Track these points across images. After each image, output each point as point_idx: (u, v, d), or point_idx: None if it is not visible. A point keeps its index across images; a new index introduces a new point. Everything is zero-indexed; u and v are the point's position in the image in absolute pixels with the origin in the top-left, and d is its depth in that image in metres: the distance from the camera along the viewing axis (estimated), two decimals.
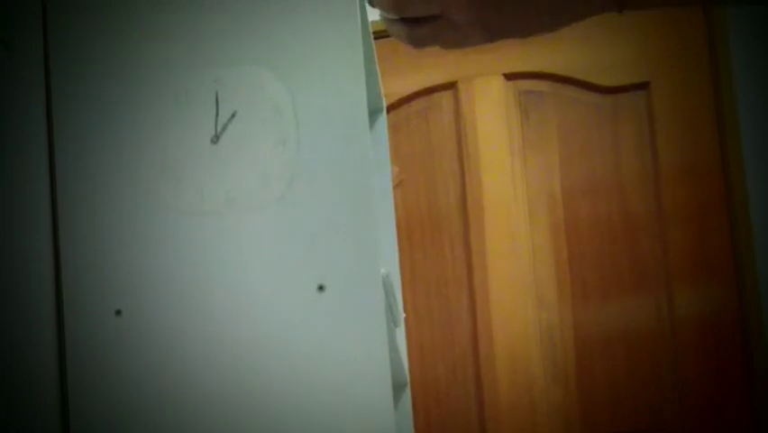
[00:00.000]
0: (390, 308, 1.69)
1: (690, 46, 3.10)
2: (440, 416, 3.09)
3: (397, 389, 2.24)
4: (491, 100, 3.16)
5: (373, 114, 2.28)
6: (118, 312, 1.42)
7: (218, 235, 1.43)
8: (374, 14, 1.70)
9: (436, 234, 3.15)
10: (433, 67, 3.19)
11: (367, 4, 1.25)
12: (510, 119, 3.15)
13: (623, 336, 3.03)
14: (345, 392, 1.39)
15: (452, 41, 0.86)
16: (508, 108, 3.15)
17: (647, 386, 3.01)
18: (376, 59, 1.96)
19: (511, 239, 3.09)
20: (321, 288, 1.40)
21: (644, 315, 3.04)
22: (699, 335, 3.00)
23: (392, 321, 1.78)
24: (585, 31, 3.13)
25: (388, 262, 2.26)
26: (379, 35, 2.66)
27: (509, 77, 3.15)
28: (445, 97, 3.20)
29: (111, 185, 1.45)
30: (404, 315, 2.36)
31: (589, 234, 3.08)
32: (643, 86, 3.12)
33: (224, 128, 1.45)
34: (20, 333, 1.33)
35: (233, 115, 1.45)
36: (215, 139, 1.45)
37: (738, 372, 2.97)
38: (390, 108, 3.17)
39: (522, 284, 3.08)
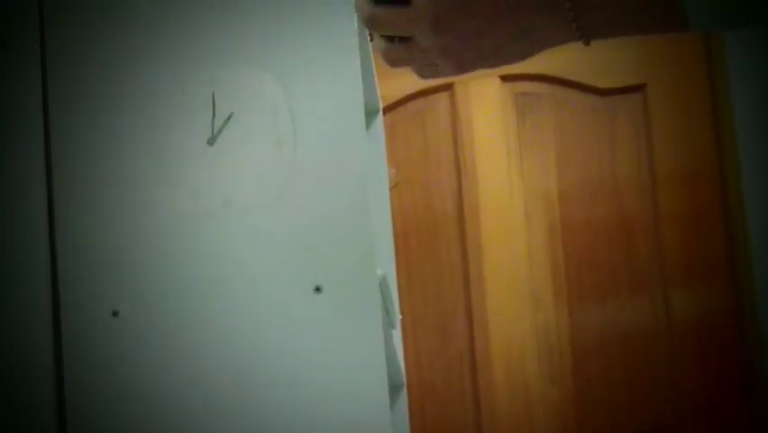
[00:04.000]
0: (387, 310, 1.69)
1: (686, 48, 3.11)
2: (436, 418, 3.09)
3: (394, 390, 2.24)
4: (488, 102, 3.16)
5: (370, 115, 2.28)
6: (115, 313, 1.42)
7: (215, 237, 1.43)
8: None
9: (433, 235, 3.15)
10: None
11: None
12: (507, 121, 3.15)
13: (620, 338, 3.04)
14: (342, 394, 1.39)
15: (425, 70, 0.89)
16: (505, 110, 3.15)
17: (645, 387, 3.01)
18: (373, 61, 1.96)
19: (507, 241, 3.09)
20: (318, 289, 1.41)
21: (640, 316, 3.04)
22: (697, 336, 3.00)
23: (388, 323, 1.78)
24: None
25: (385, 264, 2.26)
26: None
27: (506, 78, 3.15)
28: (442, 99, 3.20)
29: (107, 186, 1.45)
30: (400, 316, 2.37)
31: (586, 236, 3.08)
32: (639, 88, 3.12)
33: (220, 130, 1.45)
34: (17, 333, 1.33)
35: (229, 117, 1.45)
36: (212, 140, 1.45)
37: (736, 372, 2.98)
38: (387, 110, 3.17)
39: (518, 286, 3.08)
